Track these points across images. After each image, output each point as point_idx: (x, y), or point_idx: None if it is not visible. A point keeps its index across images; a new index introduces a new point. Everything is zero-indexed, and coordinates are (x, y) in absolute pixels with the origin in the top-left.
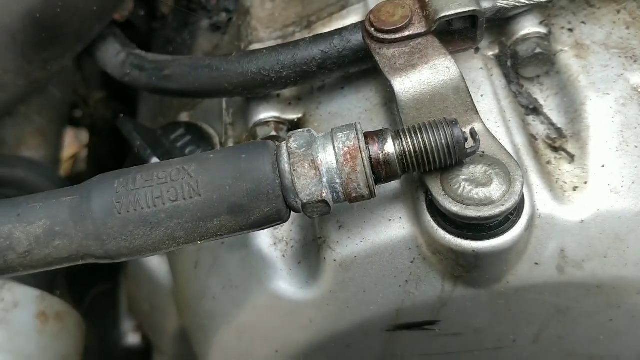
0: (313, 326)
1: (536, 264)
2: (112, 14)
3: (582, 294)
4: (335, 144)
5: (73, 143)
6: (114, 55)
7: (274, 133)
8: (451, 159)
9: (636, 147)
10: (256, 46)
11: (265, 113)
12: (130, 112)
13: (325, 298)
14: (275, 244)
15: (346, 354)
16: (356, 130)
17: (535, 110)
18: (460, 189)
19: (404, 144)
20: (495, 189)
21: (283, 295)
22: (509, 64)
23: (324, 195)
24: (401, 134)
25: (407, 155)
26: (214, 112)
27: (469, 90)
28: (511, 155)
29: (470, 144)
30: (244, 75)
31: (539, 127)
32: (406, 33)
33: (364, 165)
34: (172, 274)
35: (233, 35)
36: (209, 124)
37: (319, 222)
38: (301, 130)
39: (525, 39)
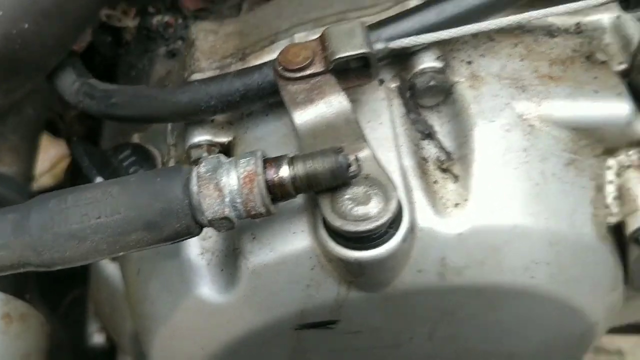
0: (231, 326)
1: (419, 271)
2: (70, 47)
3: (464, 298)
4: (237, 169)
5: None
6: (70, 84)
7: (205, 154)
8: (335, 181)
9: (515, 169)
10: (197, 75)
11: (199, 137)
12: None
13: (240, 301)
14: (202, 253)
15: (262, 350)
16: (256, 157)
17: (429, 135)
18: (344, 207)
19: (296, 169)
20: (372, 207)
21: (207, 299)
22: (408, 95)
23: (226, 212)
24: (294, 160)
25: (298, 178)
26: (161, 133)
27: (358, 122)
28: (390, 178)
29: (353, 169)
30: (177, 104)
31: (431, 151)
32: (307, 72)
33: (260, 188)
34: (123, 280)
35: (181, 64)
36: (156, 145)
37: (237, 235)
38: (211, 156)
39: (422, 72)
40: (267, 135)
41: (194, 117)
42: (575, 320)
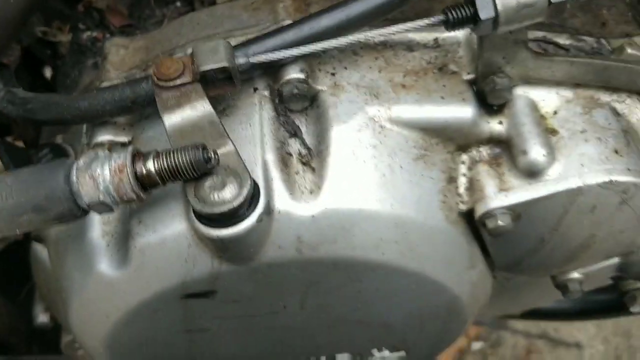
0: (128, 296)
1: (279, 247)
2: None
3: (324, 271)
4: (110, 162)
5: None
6: None
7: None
8: (195, 172)
9: (364, 162)
10: (106, 83)
11: (102, 136)
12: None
13: (132, 276)
14: (103, 235)
15: (157, 317)
16: (126, 152)
17: (295, 134)
18: (204, 193)
19: (161, 162)
20: (228, 192)
21: (106, 274)
22: (276, 101)
23: (101, 198)
24: (160, 154)
25: (163, 170)
26: (79, 134)
27: (220, 123)
28: (245, 169)
29: (212, 161)
30: (79, 109)
31: (296, 147)
32: (177, 82)
33: (129, 177)
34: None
35: (97, 74)
36: (74, 145)
37: (128, 219)
38: (91, 151)
39: (287, 82)
40: (160, 135)
41: (93, 120)
42: (436, 292)
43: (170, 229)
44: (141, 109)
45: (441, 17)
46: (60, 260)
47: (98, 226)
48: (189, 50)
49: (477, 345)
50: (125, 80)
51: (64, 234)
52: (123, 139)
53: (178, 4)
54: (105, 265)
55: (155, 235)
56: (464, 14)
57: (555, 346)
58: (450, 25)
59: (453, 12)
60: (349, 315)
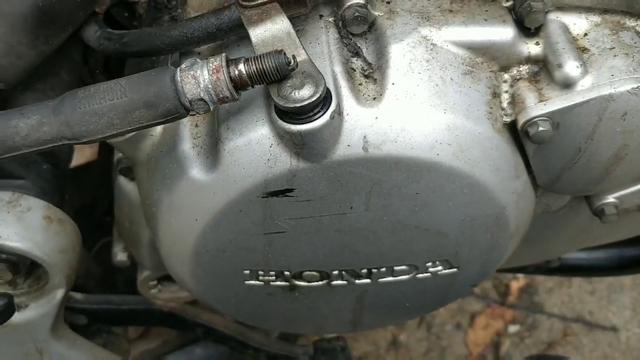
0: (216, 197)
1: (348, 145)
2: (92, 7)
3: (386, 169)
4: (208, 65)
5: None
6: (94, 33)
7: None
8: (279, 74)
9: (419, 73)
10: None
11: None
12: None
13: (221, 177)
14: (193, 147)
15: (240, 218)
16: (222, 57)
17: (357, 53)
18: (286, 92)
19: (250, 65)
20: (306, 91)
21: (196, 179)
22: (340, 24)
23: (202, 95)
24: (249, 59)
25: (252, 72)
26: None
27: (296, 35)
28: (319, 72)
29: (292, 65)
30: (171, 37)
31: (358, 64)
32: (259, 1)
33: (225, 77)
34: (138, 188)
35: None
36: None
37: (217, 128)
38: (190, 58)
39: (349, 7)
40: None
41: (183, 46)
42: (485, 199)
43: (254, 132)
44: (224, 35)
45: None
46: (151, 176)
47: (189, 139)
48: None
49: (513, 329)
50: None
51: (155, 151)
52: None
53: None
54: (196, 170)
55: (242, 138)
56: None
57: (591, 329)
58: None
59: None
60: (407, 219)
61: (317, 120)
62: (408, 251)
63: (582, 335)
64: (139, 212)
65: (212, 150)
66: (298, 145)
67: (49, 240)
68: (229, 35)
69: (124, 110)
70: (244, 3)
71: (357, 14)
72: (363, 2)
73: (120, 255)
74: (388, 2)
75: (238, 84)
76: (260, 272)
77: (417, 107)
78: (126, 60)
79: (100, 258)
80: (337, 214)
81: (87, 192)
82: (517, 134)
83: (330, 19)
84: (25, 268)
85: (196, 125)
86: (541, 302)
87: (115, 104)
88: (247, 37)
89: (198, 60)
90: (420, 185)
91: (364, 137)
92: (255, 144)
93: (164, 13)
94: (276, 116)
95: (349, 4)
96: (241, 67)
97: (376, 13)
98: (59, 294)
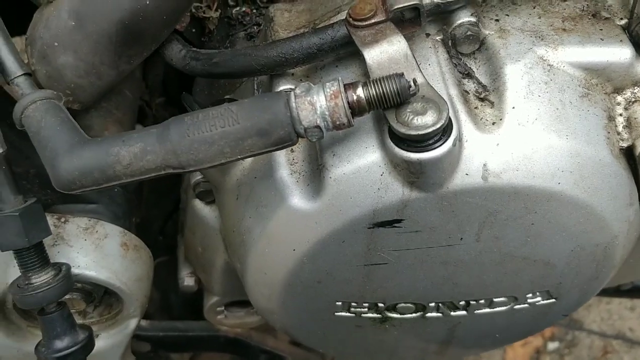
0: (318, 227)
1: (467, 174)
2: (177, 23)
3: (505, 199)
4: (325, 90)
5: None
6: (178, 52)
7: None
8: (399, 98)
9: (539, 96)
10: None
11: (284, 85)
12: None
13: (325, 206)
14: (291, 174)
15: (342, 249)
16: (339, 81)
17: (469, 74)
18: (407, 118)
19: (369, 90)
20: (429, 117)
21: (297, 207)
22: (450, 44)
23: (318, 122)
24: (367, 83)
25: (371, 97)
26: (248, 92)
27: (414, 56)
28: (441, 96)
29: (412, 89)
30: (268, 58)
31: (471, 86)
32: (372, 21)
33: (344, 103)
34: (219, 212)
35: (261, 38)
36: None
37: (320, 154)
38: (304, 82)
39: (460, 25)
40: None
41: (280, 68)
42: (599, 228)
43: (364, 159)
44: (324, 55)
45: None
46: (242, 202)
47: (286, 166)
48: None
49: (552, 346)
50: (303, 32)
51: (247, 177)
52: None
53: None
54: (297, 199)
55: (350, 165)
56: None
57: (632, 346)
58: None
59: None
60: (517, 250)
61: (438, 149)
62: (511, 283)
63: (622, 352)
64: (215, 237)
65: (313, 177)
66: (414, 174)
67: (126, 268)
68: (330, 56)
69: (236, 138)
70: (357, 23)
71: (469, 32)
72: (474, 20)
73: (187, 281)
74: (497, 20)
75: (355, 110)
76: (354, 304)
77: (539, 132)
78: (193, 78)
79: (155, 279)
80: (445, 246)
81: (139, 210)
82: (631, 159)
83: (438, 38)
84: (98, 297)
85: (292, 151)
86: (580, 319)
87: (226, 132)
88: (345, 57)
89: (312, 85)
90: (537, 216)
91: (484, 165)
92: (365, 172)
93: (238, 29)
94: (392, 143)
95: (459, 21)
96: (359, 91)
97: (486, 31)
98: (132, 323)
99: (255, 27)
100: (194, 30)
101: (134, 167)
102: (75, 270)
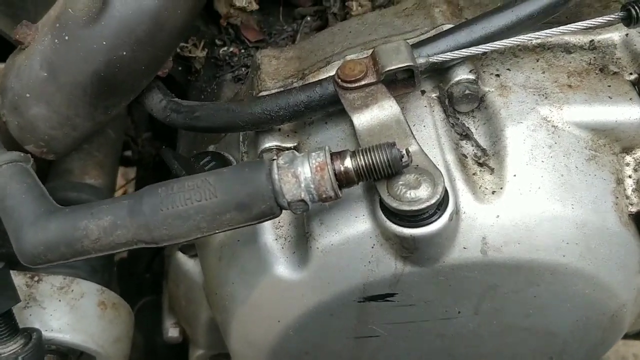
0: (304, 299)
1: (464, 247)
2: (156, 72)
3: (505, 273)
4: (310, 161)
5: (122, 178)
6: (158, 102)
7: (275, 158)
8: (391, 170)
9: (542, 161)
10: (264, 93)
11: (269, 143)
12: (171, 147)
13: (312, 277)
14: (276, 239)
15: (330, 322)
16: (325, 151)
17: (467, 136)
18: (399, 191)
19: (358, 160)
20: (423, 191)
21: (282, 277)
22: (446, 102)
23: (303, 196)
24: (356, 153)
25: (360, 168)
26: (233, 143)
27: (407, 122)
28: (437, 167)
29: (405, 159)
30: (252, 115)
31: (469, 149)
32: (362, 82)
33: (330, 175)
34: (202, 270)
35: (248, 85)
36: (230, 153)
37: (306, 221)
38: (287, 151)
39: (457, 83)
40: (327, 140)
41: (265, 125)
42: (606, 298)
43: (353, 230)
44: (312, 113)
45: (621, 13)
46: (224, 265)
47: (270, 229)
48: (348, 58)
49: None
50: (290, 88)
51: (230, 239)
52: (289, 144)
53: (308, 18)
54: (282, 268)
55: (338, 236)
56: None
57: None
58: (633, 20)
59: (637, 7)
60: (519, 322)
61: (433, 224)
62: (512, 353)
63: None
64: (199, 292)
65: (299, 244)
66: (408, 249)
67: (104, 330)
68: (319, 114)
69: (213, 213)
70: (346, 84)
71: (467, 91)
72: (473, 77)
73: (172, 332)
74: (497, 75)
75: (343, 182)
76: None
77: (543, 202)
78: None
79: (140, 318)
80: (441, 319)
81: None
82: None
83: (434, 95)
84: (75, 358)
85: None
86: None
87: (203, 206)
88: (334, 113)
89: (297, 154)
90: (540, 289)
91: (483, 238)
92: (354, 244)
93: (225, 71)
94: (383, 216)
95: (457, 79)
96: (348, 162)
97: (486, 88)
98: None
99: (243, 69)
100: (180, 68)
101: (102, 242)
102: (48, 334)
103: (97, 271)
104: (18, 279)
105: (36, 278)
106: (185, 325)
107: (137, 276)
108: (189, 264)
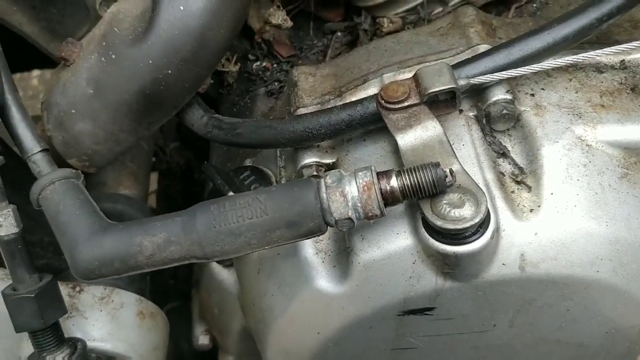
0: (345, 313)
1: (503, 264)
2: (198, 89)
3: (541, 288)
4: (357, 180)
5: None
6: (199, 118)
7: (315, 173)
8: (435, 189)
9: (578, 180)
10: (302, 110)
11: (309, 159)
12: (198, 158)
13: (353, 291)
14: (317, 253)
15: (369, 334)
16: (371, 171)
17: (504, 154)
18: (443, 210)
19: (403, 180)
20: (466, 210)
21: (322, 290)
22: (484, 121)
23: (350, 214)
24: (402, 173)
25: (406, 187)
26: (270, 158)
27: (449, 142)
28: (479, 187)
29: (449, 179)
30: (294, 132)
31: (506, 167)
32: (405, 104)
33: (377, 195)
34: (239, 281)
35: (284, 100)
36: (267, 167)
37: (348, 237)
38: (334, 170)
39: (495, 103)
40: (365, 156)
41: (306, 142)
42: (636, 312)
43: (395, 246)
44: (352, 131)
45: None
46: (264, 278)
47: (310, 244)
48: (385, 76)
49: None
50: (330, 106)
51: (270, 252)
52: (328, 160)
53: (339, 34)
54: (323, 281)
55: (380, 251)
56: None
57: None
58: None
59: None
60: (551, 335)
61: (476, 242)
62: None
63: None
64: (233, 302)
65: (340, 258)
66: (450, 265)
67: (143, 338)
68: (358, 132)
69: (264, 230)
70: (389, 105)
71: (504, 111)
72: (510, 97)
73: (202, 339)
74: (532, 95)
75: (389, 201)
76: None
77: (578, 220)
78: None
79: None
80: (477, 332)
81: None
82: None
83: (471, 114)
84: None
85: None
86: None
87: (254, 223)
88: (372, 131)
89: (344, 173)
90: (573, 302)
91: (521, 255)
92: (396, 259)
93: (258, 85)
94: (426, 234)
95: (494, 99)
96: (393, 182)
97: (522, 108)
98: None
99: (276, 84)
100: (212, 81)
101: (156, 257)
102: (90, 344)
103: (134, 280)
104: (61, 289)
105: (78, 288)
106: (216, 333)
107: (163, 283)
108: (223, 273)
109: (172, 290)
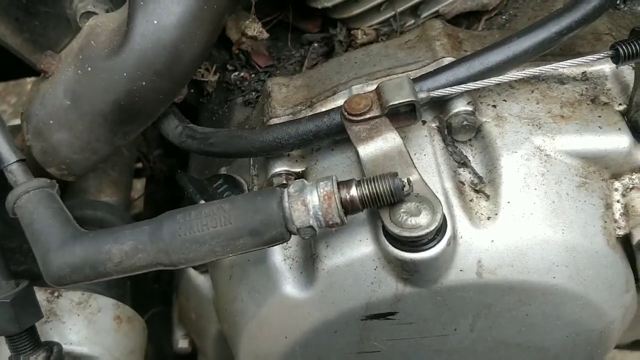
0: (310, 317)
1: (461, 270)
2: (173, 100)
3: (499, 294)
4: (318, 189)
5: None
6: (174, 128)
7: (284, 182)
8: (393, 198)
9: (535, 189)
10: (274, 120)
11: (279, 168)
12: (181, 164)
13: (318, 296)
14: (285, 259)
15: (334, 338)
16: (332, 180)
17: (464, 164)
18: (401, 218)
19: (363, 189)
20: (423, 218)
21: (289, 295)
22: (445, 132)
23: (311, 222)
24: (361, 183)
25: (365, 197)
26: (244, 166)
27: (409, 153)
28: (436, 196)
29: (406, 189)
30: (264, 142)
31: (466, 176)
32: (367, 116)
33: (337, 203)
34: (213, 287)
35: (259, 110)
36: (241, 176)
37: (313, 244)
38: (298, 180)
39: (456, 115)
40: (333, 166)
41: (275, 152)
42: (594, 316)
43: (357, 252)
44: (319, 141)
45: (610, 52)
46: (235, 283)
47: (279, 251)
48: (354, 88)
49: None
50: (301, 116)
51: (241, 259)
52: (298, 169)
53: (316, 44)
54: (290, 287)
55: (343, 258)
56: (634, 49)
57: None
58: (620, 59)
59: (624, 47)
60: (511, 338)
61: (432, 249)
62: None
63: None
64: (209, 307)
65: (306, 265)
66: (408, 271)
67: (119, 342)
68: (326, 142)
69: (227, 238)
70: (352, 118)
71: (465, 122)
72: (471, 109)
73: (182, 343)
74: (494, 106)
75: (349, 209)
76: None
77: (534, 227)
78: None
79: (149, 328)
80: (439, 336)
81: None
82: (628, 246)
83: (434, 125)
84: None
85: None
86: None
87: (219, 232)
88: (341, 141)
89: (306, 183)
90: (532, 308)
91: (479, 261)
92: (358, 266)
93: (236, 95)
94: (385, 241)
95: (455, 110)
96: (353, 191)
97: (483, 119)
98: None
99: (253, 93)
100: (192, 90)
101: (124, 264)
102: (67, 347)
103: (112, 286)
104: (39, 294)
105: (56, 294)
106: (194, 337)
107: (146, 287)
108: (199, 279)
109: (156, 294)
